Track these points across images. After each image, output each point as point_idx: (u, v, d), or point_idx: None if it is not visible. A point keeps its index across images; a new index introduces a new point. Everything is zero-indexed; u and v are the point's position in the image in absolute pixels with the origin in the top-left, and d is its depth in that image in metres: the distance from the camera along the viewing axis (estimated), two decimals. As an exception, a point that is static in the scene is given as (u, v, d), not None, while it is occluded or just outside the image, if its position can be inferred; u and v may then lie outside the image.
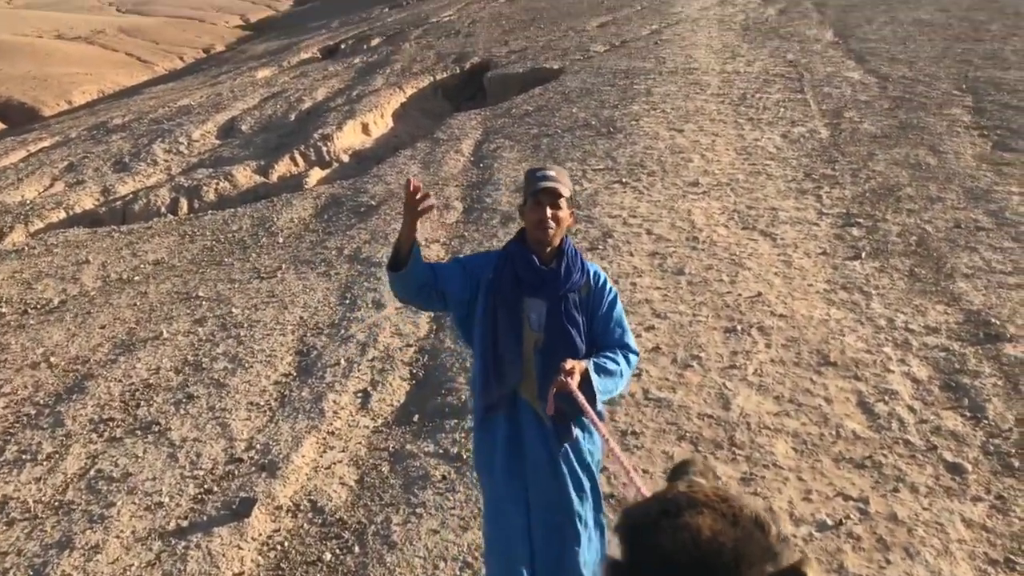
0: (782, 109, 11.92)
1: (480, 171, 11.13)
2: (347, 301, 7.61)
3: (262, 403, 6.16)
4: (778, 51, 15.44)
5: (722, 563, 1.35)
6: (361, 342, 6.80)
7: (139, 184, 14.11)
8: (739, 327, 6.38)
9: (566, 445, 3.29)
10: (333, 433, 5.69)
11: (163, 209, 12.81)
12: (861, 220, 8.06)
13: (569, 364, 2.97)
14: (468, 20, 26.63)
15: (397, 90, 17.76)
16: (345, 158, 13.99)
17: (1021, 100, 10.93)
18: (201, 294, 8.30)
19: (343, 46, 28.90)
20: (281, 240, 9.66)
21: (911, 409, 5.32)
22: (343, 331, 7.04)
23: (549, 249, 3.21)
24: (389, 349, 6.65)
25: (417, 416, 5.80)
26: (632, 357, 3.31)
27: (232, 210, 11.31)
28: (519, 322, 3.22)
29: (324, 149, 14.42)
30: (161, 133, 17.22)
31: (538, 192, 3.12)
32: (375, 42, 27.15)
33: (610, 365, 3.17)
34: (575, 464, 3.32)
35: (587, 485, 3.37)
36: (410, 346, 6.67)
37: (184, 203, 12.98)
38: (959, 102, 11.24)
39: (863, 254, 7.36)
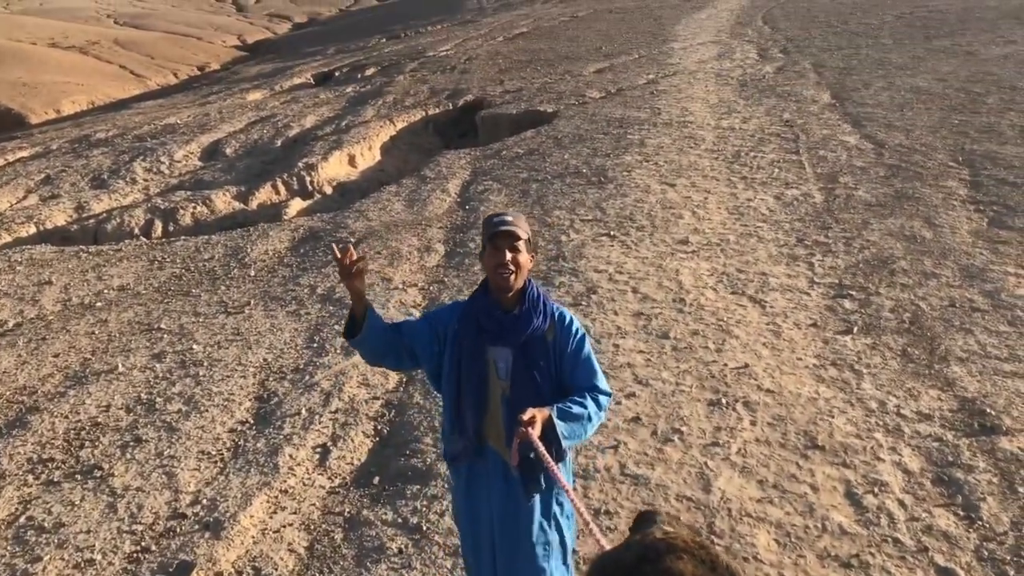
0: (776, 170, 11.73)
1: (465, 213, 10.83)
2: (315, 344, 7.25)
3: (214, 452, 5.77)
4: (774, 110, 15.31)
5: None
6: (325, 391, 6.44)
7: (115, 203, 13.75)
8: (724, 400, 6.06)
9: (535, 496, 3.23)
10: (286, 491, 5.32)
11: (136, 231, 12.45)
12: (853, 292, 7.80)
13: (528, 414, 2.90)
14: (465, 57, 26.54)
15: (387, 123, 17.52)
16: (328, 190, 13.69)
17: (1018, 176, 10.77)
18: (163, 326, 7.93)
19: (337, 74, 28.75)
20: (253, 273, 9.31)
21: (901, 504, 5.01)
22: (308, 377, 6.67)
23: (511, 294, 3.17)
24: (354, 401, 6.29)
25: (377, 479, 5.43)
26: (602, 398, 3.22)
27: (206, 237, 10.95)
28: (484, 372, 3.19)
29: (307, 179, 14.12)
30: (143, 151, 16.89)
31: (495, 236, 3.09)
32: (369, 72, 27.01)
33: (576, 409, 3.09)
34: (540, 517, 3.27)
35: (553, 539, 3.31)
36: (377, 399, 6.31)
37: (159, 225, 12.62)
38: (955, 174, 11.07)
39: (855, 329, 7.08)
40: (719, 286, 8.06)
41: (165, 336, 7.69)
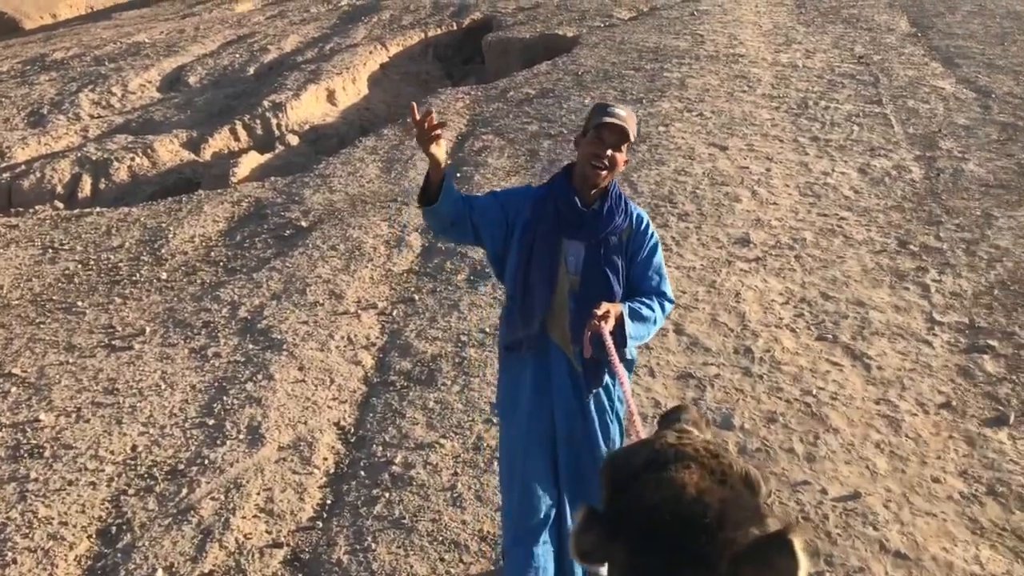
0: (855, 127, 9.16)
1: (456, 185, 8.40)
2: (212, 421, 4.97)
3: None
4: (843, 40, 12.58)
5: (704, 523, 1.28)
6: (204, 524, 4.17)
7: (44, 148, 11.37)
8: (826, 572, 3.76)
9: (596, 391, 3.17)
10: None
11: (59, 189, 10.11)
12: (994, 342, 5.40)
13: (603, 308, 2.84)
14: (478, -36, 23.53)
15: (379, 47, 14.89)
16: (294, 140, 11.19)
17: None
18: (16, 371, 5.66)
19: (337, -18, 25.88)
20: (165, 276, 6.97)
21: None
22: (184, 491, 4.41)
23: (595, 191, 3.03)
24: (242, 548, 4.02)
25: None
26: (667, 304, 3.17)
27: (125, 210, 8.58)
28: (556, 263, 3.07)
29: (273, 122, 11.64)
30: (95, 78, 14.41)
31: (602, 126, 2.92)
32: (372, -20, 24.10)
33: (645, 311, 3.03)
34: (605, 409, 3.23)
35: (614, 431, 3.27)
36: (279, 545, 4.04)
37: (87, 182, 10.28)
38: (1093, 139, 8.51)
39: (1011, 417, 4.72)
40: (799, 324, 5.68)
41: (11, 391, 5.43)
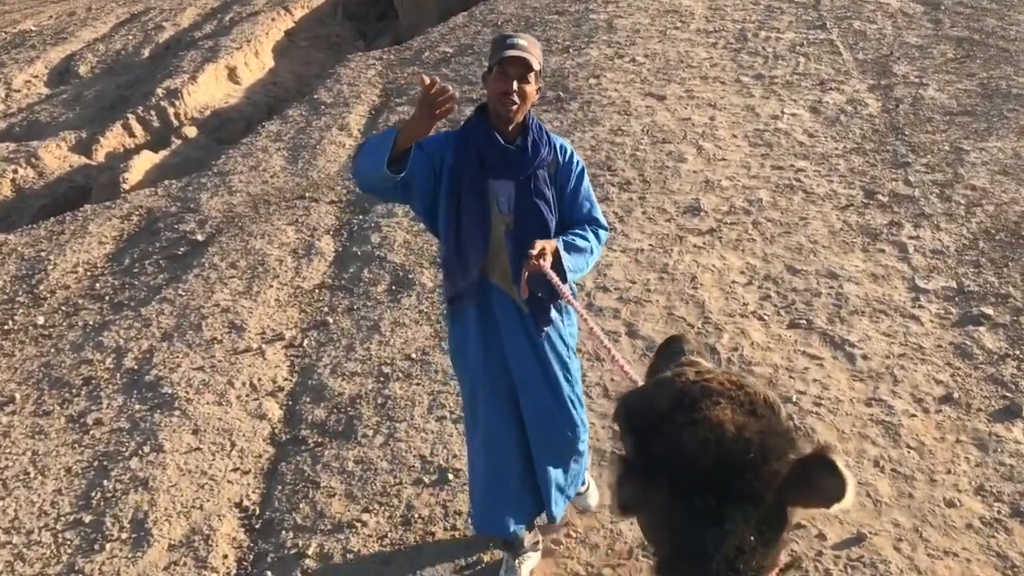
0: (801, 59, 8.39)
1: (369, 170, 7.53)
2: (89, 517, 4.14)
3: None
4: (776, -42, 11.73)
5: (750, 460, 1.24)
6: (76, 670, 3.38)
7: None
8: (838, 649, 3.09)
9: (546, 329, 3.09)
10: None
11: (-68, 214, 9.05)
12: (988, 309, 4.74)
13: (538, 245, 2.76)
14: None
15: (282, 12, 13.75)
16: (192, 132, 10.14)
17: None
18: None
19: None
20: (42, 321, 6.05)
21: None
22: (54, 623, 3.60)
23: (512, 126, 2.91)
24: None
25: None
26: (601, 232, 3.11)
27: (1, 238, 7.58)
28: (486, 206, 2.95)
29: (170, 112, 10.58)
30: (-28, 78, 13.11)
31: (504, 60, 2.78)
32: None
33: (580, 243, 2.97)
34: (558, 347, 3.15)
35: (574, 367, 3.25)
36: None
37: (-36, 203, 9.20)
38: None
39: (1022, 404, 4.07)
40: (766, 309, 4.96)
41: None
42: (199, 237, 6.78)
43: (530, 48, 2.83)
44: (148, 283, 6.28)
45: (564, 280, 2.82)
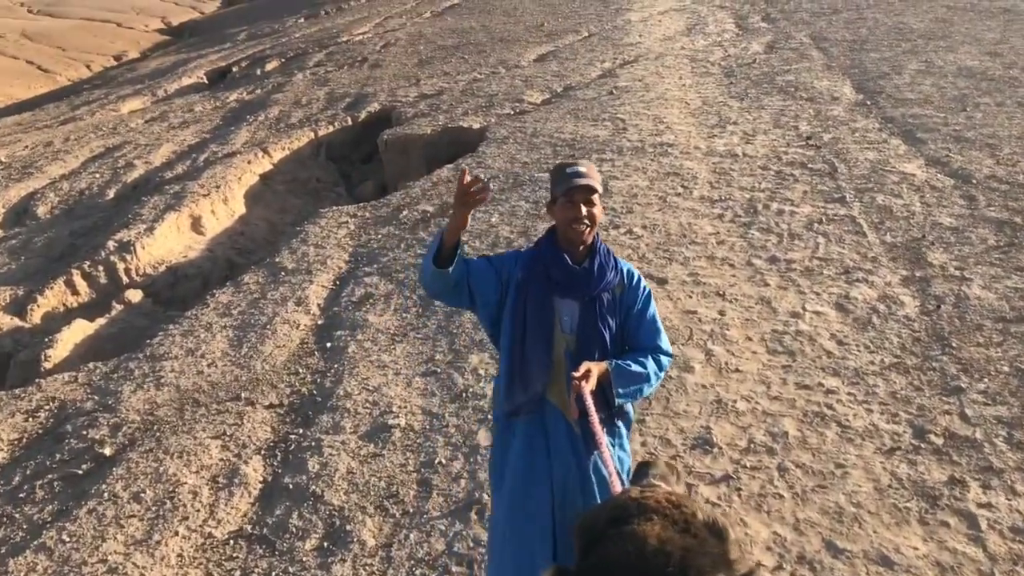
0: (820, 239, 7.43)
1: (322, 364, 6.44)
2: None
3: None
4: (784, 116, 10.97)
5: (667, 573, 1.32)
6: None
7: None
8: None
9: (595, 452, 3.02)
10: None
11: None
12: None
13: (583, 368, 2.82)
14: (381, 43, 21.91)
15: (260, 154, 12.95)
16: (136, 297, 9.09)
17: None
18: None
19: (235, 69, 24.12)
20: None
21: None
22: None
23: (582, 248, 3.05)
24: None
25: None
26: (664, 359, 3.13)
27: None
28: (550, 324, 3.04)
29: (120, 267, 9.57)
30: (-78, 219, 12.19)
31: (572, 190, 2.96)
32: (270, 66, 22.42)
33: (635, 367, 2.99)
34: (602, 471, 3.01)
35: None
36: None
37: None
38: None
39: None
40: (803, 613, 3.77)
41: None
42: (107, 451, 5.61)
43: (591, 173, 2.98)
44: (32, 517, 5.08)
45: (613, 404, 2.94)
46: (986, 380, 5.32)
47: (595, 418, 2.69)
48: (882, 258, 7.00)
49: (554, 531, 3.04)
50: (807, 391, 5.38)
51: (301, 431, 5.60)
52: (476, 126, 12.44)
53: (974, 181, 8.27)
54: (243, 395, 6.11)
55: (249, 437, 5.59)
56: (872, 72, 12.55)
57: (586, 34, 18.66)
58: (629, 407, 3.13)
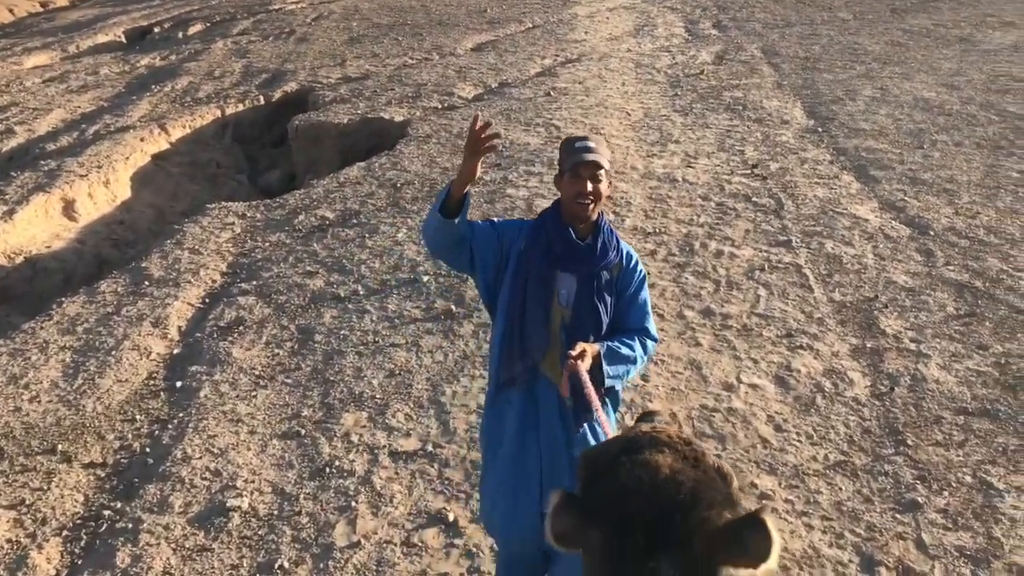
0: (762, 291, 6.57)
1: (167, 409, 5.35)
2: None
3: None
4: (729, 137, 10.12)
5: (678, 500, 1.32)
6: None
7: None
8: None
9: (584, 426, 3.05)
10: None
11: None
12: None
13: (578, 348, 2.79)
14: (314, 14, 20.63)
15: (156, 131, 11.66)
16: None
17: None
18: None
19: (157, 29, 22.56)
20: None
21: None
22: None
23: (584, 224, 3.02)
24: None
25: None
26: (650, 343, 3.14)
27: None
28: (549, 296, 3.03)
29: (-33, 257, 8.28)
30: None
31: (579, 165, 2.91)
32: (193, 30, 20.99)
33: (624, 350, 2.99)
34: (591, 444, 3.01)
35: None
36: None
37: None
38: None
39: None
40: None
41: None
42: None
43: (599, 148, 2.93)
44: None
45: (601, 384, 2.89)
46: (946, 494, 4.49)
47: (591, 390, 2.64)
48: (829, 320, 6.16)
49: (540, 502, 2.99)
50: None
51: (119, 505, 4.52)
52: (399, 119, 11.36)
53: (931, 233, 7.50)
54: (60, 447, 4.99)
55: (53, 509, 4.49)
56: (825, 95, 11.79)
57: (530, 25, 17.65)
58: (619, 387, 3.10)
